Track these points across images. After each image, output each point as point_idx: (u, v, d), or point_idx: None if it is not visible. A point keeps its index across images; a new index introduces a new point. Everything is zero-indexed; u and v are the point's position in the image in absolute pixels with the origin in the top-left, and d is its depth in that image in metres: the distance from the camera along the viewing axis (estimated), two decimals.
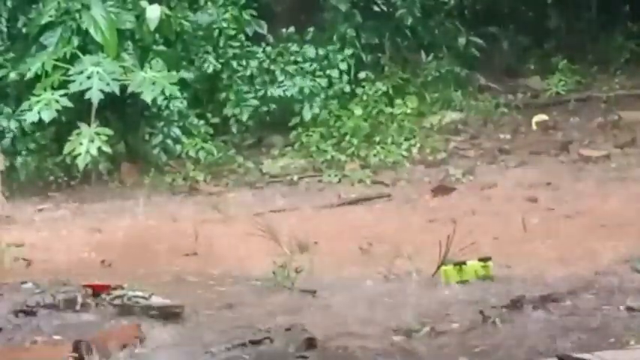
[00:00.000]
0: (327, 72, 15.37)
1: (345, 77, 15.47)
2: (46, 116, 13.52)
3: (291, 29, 15.73)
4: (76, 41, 14.01)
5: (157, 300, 7.74)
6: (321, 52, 15.49)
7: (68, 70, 13.79)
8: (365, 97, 15.38)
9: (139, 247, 10.34)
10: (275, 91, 15.07)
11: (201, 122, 14.80)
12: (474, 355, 6.56)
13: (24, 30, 14.43)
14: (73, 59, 13.90)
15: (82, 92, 13.62)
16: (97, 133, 13.58)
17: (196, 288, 8.68)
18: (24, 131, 14.07)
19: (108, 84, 13.60)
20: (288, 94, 15.04)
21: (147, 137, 14.43)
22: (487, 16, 17.43)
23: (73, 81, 13.64)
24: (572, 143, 14.36)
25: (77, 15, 14.06)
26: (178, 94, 14.12)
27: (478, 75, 16.57)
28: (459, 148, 14.66)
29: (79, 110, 13.82)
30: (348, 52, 15.63)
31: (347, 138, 14.66)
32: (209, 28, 15.14)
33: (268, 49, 15.51)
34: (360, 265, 9.19)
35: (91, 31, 13.92)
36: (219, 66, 15.14)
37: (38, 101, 13.59)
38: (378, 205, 12.17)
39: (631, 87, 16.21)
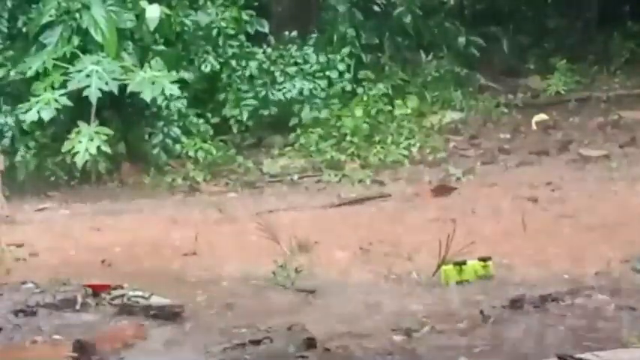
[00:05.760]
0: (327, 73, 15.38)
1: (345, 77, 15.48)
2: (46, 115, 13.54)
3: (294, 33, 15.73)
4: (76, 41, 14.03)
5: (156, 300, 7.74)
6: (321, 53, 15.51)
7: (68, 69, 13.79)
8: (365, 97, 15.39)
9: (138, 246, 10.33)
10: (275, 93, 15.08)
11: (201, 122, 14.81)
12: (474, 355, 6.56)
13: (24, 29, 14.45)
14: (73, 58, 13.91)
15: (82, 92, 13.62)
16: (97, 132, 13.58)
17: (196, 288, 8.67)
18: (24, 130, 14.08)
19: (107, 83, 13.60)
20: (288, 96, 15.05)
21: (147, 137, 14.44)
22: (487, 16, 17.45)
23: (73, 80, 13.65)
24: (572, 143, 14.37)
25: (77, 14, 14.07)
26: (178, 93, 14.12)
27: (478, 75, 16.59)
28: (459, 148, 14.67)
29: (79, 110, 13.84)
30: (348, 52, 15.64)
31: (347, 138, 14.67)
32: (209, 27, 15.15)
33: (269, 50, 15.52)
34: (360, 264, 9.18)
35: (91, 30, 13.94)
36: (219, 66, 15.15)
37: (38, 101, 13.60)
38: (378, 205, 12.16)
39: (631, 87, 16.22)
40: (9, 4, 14.43)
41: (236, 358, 6.68)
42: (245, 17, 15.40)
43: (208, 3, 15.31)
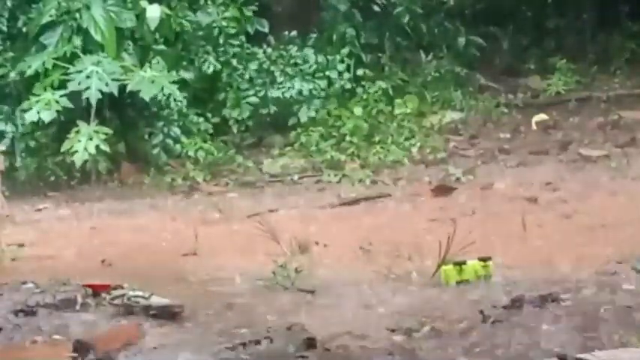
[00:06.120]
0: (327, 73, 15.38)
1: (345, 77, 15.48)
2: (46, 116, 13.54)
3: (293, 33, 15.74)
4: (76, 41, 14.03)
5: (156, 300, 7.74)
6: (321, 53, 15.51)
7: (68, 69, 13.79)
8: (365, 97, 15.40)
9: (139, 246, 10.34)
10: (275, 93, 15.08)
11: (201, 121, 14.81)
12: (474, 355, 6.56)
13: (24, 29, 14.44)
14: (73, 58, 13.92)
15: (82, 92, 13.62)
16: (96, 132, 13.59)
17: (196, 288, 8.68)
18: (24, 131, 14.07)
19: (107, 84, 13.60)
20: (288, 95, 15.06)
21: (147, 137, 14.44)
22: (487, 16, 17.44)
23: (73, 80, 13.66)
24: (572, 143, 14.36)
25: (77, 14, 14.08)
26: (177, 93, 14.12)
27: (478, 75, 16.59)
28: (459, 148, 14.67)
29: (79, 110, 13.85)
30: (348, 52, 15.65)
31: (347, 138, 14.67)
32: (209, 27, 15.15)
33: (269, 50, 15.53)
34: (360, 264, 9.19)
35: (91, 30, 13.95)
36: (219, 66, 15.15)
37: (38, 101, 13.60)
38: (378, 205, 12.17)
39: (631, 87, 16.22)
40: (9, 4, 14.44)
41: (236, 358, 6.68)
42: (245, 17, 15.39)
43: (209, 3, 15.32)
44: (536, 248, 9.38)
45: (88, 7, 14.06)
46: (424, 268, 8.66)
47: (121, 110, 14.48)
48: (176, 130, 14.45)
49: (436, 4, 16.99)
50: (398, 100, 15.48)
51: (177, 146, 14.43)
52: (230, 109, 15.14)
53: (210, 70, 15.09)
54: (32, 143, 14.12)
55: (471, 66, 16.63)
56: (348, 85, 15.50)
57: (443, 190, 12.52)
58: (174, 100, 14.19)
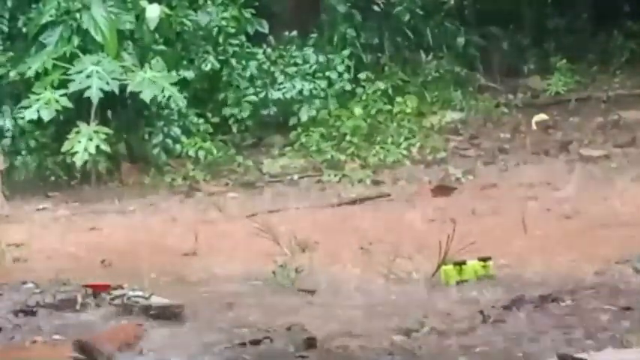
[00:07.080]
0: (327, 73, 15.38)
1: (345, 77, 15.48)
2: (46, 115, 13.54)
3: (294, 33, 15.74)
4: (76, 41, 14.03)
5: (156, 300, 7.74)
6: (321, 54, 15.51)
7: (68, 69, 13.79)
8: (365, 97, 15.40)
9: (138, 247, 10.34)
10: (275, 93, 15.08)
11: (201, 121, 14.81)
12: (474, 355, 6.57)
13: (24, 29, 14.44)
14: (72, 58, 13.91)
15: (82, 91, 13.63)
16: (96, 132, 13.58)
17: (196, 288, 8.68)
18: (24, 130, 14.08)
19: (107, 83, 13.61)
20: (288, 95, 15.06)
21: (147, 137, 14.44)
22: (487, 16, 17.44)
23: (73, 80, 13.65)
24: (572, 143, 14.36)
25: (77, 14, 14.07)
26: (178, 95, 14.11)
27: (478, 75, 16.59)
28: (459, 148, 14.67)
29: (79, 110, 13.84)
30: (348, 52, 15.65)
31: (347, 138, 14.67)
32: (209, 27, 15.15)
33: (268, 50, 15.53)
34: (360, 264, 9.19)
35: (91, 30, 13.94)
36: (219, 65, 15.15)
37: (38, 99, 13.60)
38: (378, 205, 12.17)
39: (631, 87, 16.22)
40: (9, 4, 14.43)
41: (236, 358, 6.68)
42: (245, 16, 15.40)
43: (208, 2, 15.31)
44: (536, 248, 9.38)
45: (88, 8, 14.06)
46: (424, 268, 8.66)
47: (121, 110, 14.47)
48: (176, 130, 14.44)
49: (436, 4, 16.99)
50: (398, 100, 15.48)
51: (177, 146, 14.42)
52: (230, 109, 15.14)
53: (211, 70, 15.08)
54: (32, 143, 14.11)
55: (471, 66, 16.64)
56: (348, 86, 15.51)
57: (443, 190, 12.52)
58: (174, 101, 14.17)
